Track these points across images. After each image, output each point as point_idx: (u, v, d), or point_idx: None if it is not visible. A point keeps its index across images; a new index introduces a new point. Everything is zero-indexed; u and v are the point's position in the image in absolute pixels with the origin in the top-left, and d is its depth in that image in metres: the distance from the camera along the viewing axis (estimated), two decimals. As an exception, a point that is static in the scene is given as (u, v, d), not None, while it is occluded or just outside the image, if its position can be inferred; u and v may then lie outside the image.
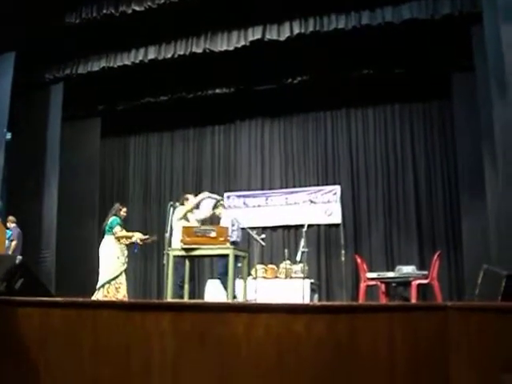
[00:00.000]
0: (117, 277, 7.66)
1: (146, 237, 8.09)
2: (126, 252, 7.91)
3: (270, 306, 2.78)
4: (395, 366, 2.54)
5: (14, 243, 9.35)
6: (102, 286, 7.68)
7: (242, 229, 9.19)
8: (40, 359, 3.10)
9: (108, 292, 7.60)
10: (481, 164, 8.16)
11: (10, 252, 9.07)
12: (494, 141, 7.31)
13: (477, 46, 8.12)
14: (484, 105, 7.81)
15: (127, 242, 7.94)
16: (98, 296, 7.62)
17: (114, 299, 7.35)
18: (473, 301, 4.50)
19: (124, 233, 7.90)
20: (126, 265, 7.85)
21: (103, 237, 8.05)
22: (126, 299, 7.46)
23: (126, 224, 8.36)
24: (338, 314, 2.63)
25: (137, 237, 7.95)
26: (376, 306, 3.03)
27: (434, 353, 2.54)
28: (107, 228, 7.93)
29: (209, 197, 8.68)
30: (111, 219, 7.94)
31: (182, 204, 8.50)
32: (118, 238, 7.84)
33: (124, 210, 8.17)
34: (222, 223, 8.73)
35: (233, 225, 8.68)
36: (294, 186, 11.51)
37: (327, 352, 2.60)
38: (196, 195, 8.88)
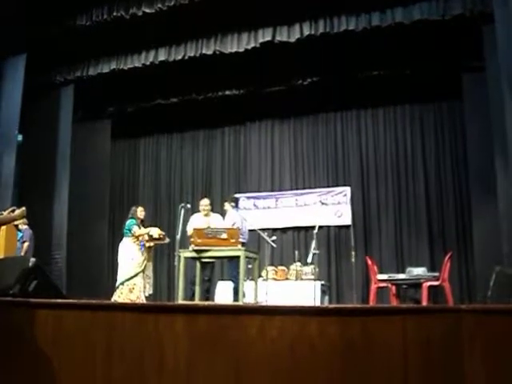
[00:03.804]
0: (131, 278, 7.66)
1: (163, 233, 8.04)
2: (141, 253, 7.85)
3: (284, 309, 2.78)
4: (409, 368, 2.53)
5: (25, 244, 9.38)
6: (117, 287, 7.70)
7: (251, 230, 9.17)
8: (53, 360, 3.11)
9: (121, 293, 7.61)
10: (492, 164, 8.11)
11: (22, 253, 9.11)
12: (506, 141, 7.28)
13: (488, 46, 8.07)
14: (495, 105, 7.77)
15: (147, 238, 7.91)
16: (114, 297, 7.65)
17: (127, 300, 7.35)
18: (485, 303, 4.48)
19: (142, 230, 7.91)
20: (143, 266, 7.82)
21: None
22: (140, 301, 7.46)
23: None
24: (351, 317, 2.63)
25: (153, 231, 7.93)
26: (389, 308, 3.03)
27: (447, 356, 2.52)
28: (124, 230, 7.96)
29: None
30: (128, 221, 7.96)
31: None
32: (138, 237, 7.84)
33: (139, 209, 8.16)
34: (225, 222, 8.64)
35: (234, 224, 8.56)
36: (304, 188, 11.49)
37: (340, 354, 2.59)
38: (206, 197, 8.92)
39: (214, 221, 8.46)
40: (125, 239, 7.92)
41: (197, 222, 8.39)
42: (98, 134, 11.97)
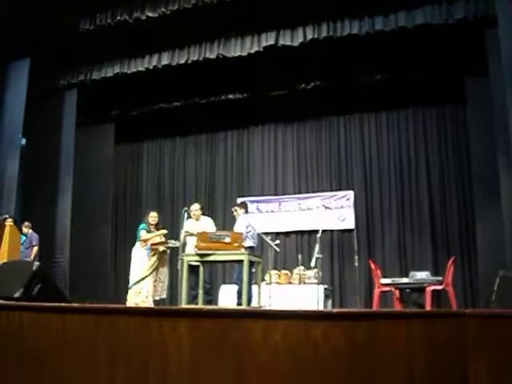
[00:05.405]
0: (138, 282, 7.72)
1: (163, 240, 8.06)
2: (148, 258, 7.89)
3: (288, 313, 2.76)
4: (414, 373, 2.52)
5: (35, 249, 9.43)
6: (129, 289, 7.83)
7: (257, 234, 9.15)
8: (56, 365, 3.10)
9: (129, 296, 7.71)
10: (495, 168, 8.10)
11: (31, 257, 9.12)
12: (509, 145, 7.27)
13: (491, 50, 8.08)
14: (498, 109, 7.76)
15: (157, 241, 7.94)
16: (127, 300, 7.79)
17: (132, 304, 7.41)
18: (489, 307, 4.46)
19: (149, 234, 7.96)
20: (150, 270, 7.83)
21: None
22: (146, 305, 7.49)
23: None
24: (355, 321, 2.61)
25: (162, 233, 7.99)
26: (394, 312, 3.01)
27: (452, 361, 2.51)
28: (137, 235, 8.08)
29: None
30: (139, 226, 8.07)
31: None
32: (145, 241, 7.89)
33: (151, 214, 8.20)
34: (237, 226, 8.65)
35: (249, 231, 8.56)
36: (308, 192, 11.47)
37: (345, 359, 2.58)
38: (197, 201, 8.95)
39: (203, 224, 8.42)
40: (136, 244, 8.05)
41: (188, 227, 8.36)
42: (101, 137, 11.99)
